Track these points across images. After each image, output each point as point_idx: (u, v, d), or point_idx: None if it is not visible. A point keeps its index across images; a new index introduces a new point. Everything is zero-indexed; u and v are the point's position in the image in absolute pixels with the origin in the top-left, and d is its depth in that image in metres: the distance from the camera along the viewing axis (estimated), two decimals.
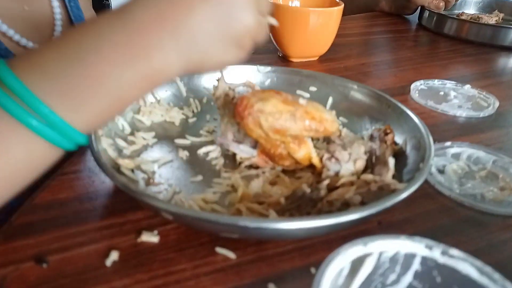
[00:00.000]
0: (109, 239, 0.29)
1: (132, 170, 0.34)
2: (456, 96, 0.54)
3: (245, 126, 0.33)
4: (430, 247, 0.22)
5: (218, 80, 0.39)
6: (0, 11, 0.45)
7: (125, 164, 0.34)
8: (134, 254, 0.28)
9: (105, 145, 0.34)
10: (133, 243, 0.28)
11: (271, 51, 0.67)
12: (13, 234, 0.29)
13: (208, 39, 0.27)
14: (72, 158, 0.37)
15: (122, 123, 0.39)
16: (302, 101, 0.33)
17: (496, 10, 0.95)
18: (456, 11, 0.97)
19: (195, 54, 0.27)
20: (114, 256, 0.27)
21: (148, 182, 0.34)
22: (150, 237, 0.29)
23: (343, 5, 0.61)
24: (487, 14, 0.93)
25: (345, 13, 0.90)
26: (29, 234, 0.29)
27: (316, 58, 0.66)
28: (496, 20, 0.91)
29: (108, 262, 0.27)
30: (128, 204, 0.32)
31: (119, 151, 0.36)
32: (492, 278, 0.21)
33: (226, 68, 0.31)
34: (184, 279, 0.26)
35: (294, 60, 0.64)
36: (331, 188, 0.32)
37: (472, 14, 0.93)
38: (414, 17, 0.93)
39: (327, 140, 0.37)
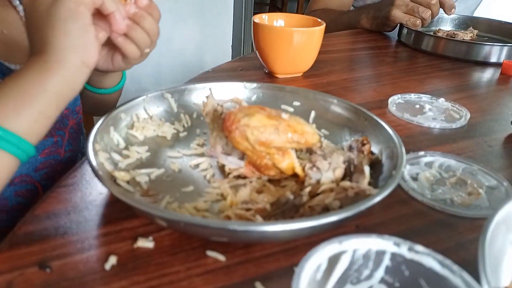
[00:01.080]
0: (107, 245, 0.31)
1: (128, 182, 0.36)
2: (431, 109, 0.58)
3: (233, 139, 0.35)
4: (398, 244, 0.25)
5: (207, 97, 0.42)
6: None
7: (121, 176, 0.36)
8: (131, 259, 0.30)
9: (102, 159, 0.36)
10: (130, 249, 0.31)
11: (257, 67, 0.71)
12: (17, 243, 0.31)
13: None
14: (69, 171, 0.39)
15: (117, 138, 0.41)
16: (284, 115, 0.36)
17: (471, 27, 1.01)
18: (433, 28, 1.02)
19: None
20: (112, 260, 0.29)
21: (143, 193, 0.36)
22: (146, 243, 0.31)
23: (324, 25, 0.65)
24: (462, 31, 0.98)
25: (329, 30, 0.94)
26: (32, 242, 0.31)
27: (300, 74, 0.69)
28: (471, 36, 0.96)
29: (107, 266, 0.29)
30: (124, 213, 0.34)
31: (115, 164, 0.38)
32: (451, 269, 0.24)
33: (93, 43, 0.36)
34: (177, 280, 0.29)
35: (279, 76, 0.68)
36: (312, 195, 0.35)
37: (449, 31, 0.99)
38: (393, 34, 0.98)
39: (309, 150, 0.40)
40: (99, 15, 0.38)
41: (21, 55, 0.51)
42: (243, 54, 2.86)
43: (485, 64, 0.81)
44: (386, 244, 0.25)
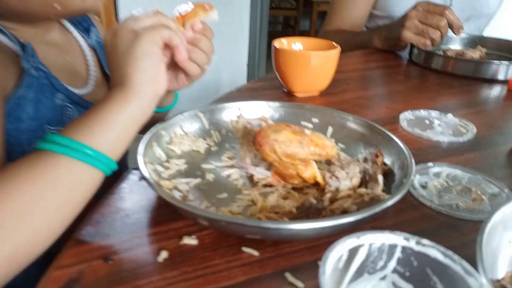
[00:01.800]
0: (158, 243, 0.36)
1: (170, 189, 0.42)
2: (439, 124, 0.62)
3: (263, 152, 0.41)
4: (407, 239, 0.30)
5: (238, 116, 0.48)
6: (50, 65, 0.54)
7: (166, 185, 0.42)
8: (179, 253, 0.35)
9: (149, 170, 0.42)
10: (177, 245, 0.36)
11: (277, 87, 0.76)
12: (82, 240, 0.36)
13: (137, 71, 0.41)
14: (118, 181, 0.45)
15: (159, 152, 0.47)
16: (307, 131, 0.42)
17: (479, 45, 1.05)
18: (443, 46, 1.07)
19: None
20: (164, 254, 0.35)
21: (184, 199, 0.42)
22: (190, 240, 0.36)
23: (339, 48, 0.71)
24: (471, 49, 1.03)
25: (343, 49, 0.99)
26: (95, 240, 0.36)
27: (317, 93, 0.74)
28: (480, 55, 1.01)
29: (160, 258, 0.34)
30: (169, 216, 0.39)
31: (159, 174, 0.44)
32: (452, 259, 0.29)
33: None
34: (219, 271, 0.34)
35: (298, 95, 0.73)
36: (332, 200, 0.40)
37: (458, 50, 1.03)
38: (405, 53, 1.03)
39: (328, 162, 0.45)
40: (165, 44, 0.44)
41: (81, 80, 0.58)
42: (258, 71, 2.94)
43: (493, 81, 0.85)
44: (397, 239, 0.30)
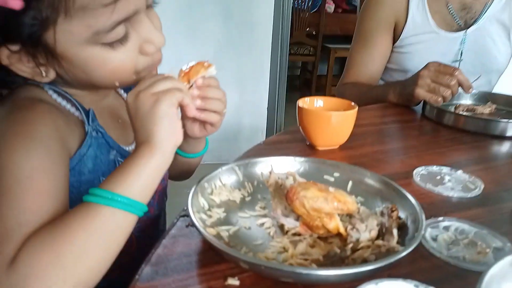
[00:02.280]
0: (206, 282, 0.43)
1: (214, 236, 0.49)
2: (450, 180, 0.69)
3: (294, 206, 0.48)
4: (417, 286, 0.36)
5: (270, 172, 0.55)
6: (106, 125, 0.62)
7: (210, 232, 0.49)
8: None
9: (197, 218, 0.49)
10: (223, 285, 0.43)
11: (300, 140, 0.84)
12: (144, 279, 0.43)
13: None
14: (169, 227, 0.53)
15: (202, 202, 0.55)
16: (331, 189, 0.49)
17: (490, 102, 1.12)
18: (455, 102, 1.14)
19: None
20: None
21: (226, 244, 0.49)
22: (233, 281, 0.43)
23: (357, 107, 0.79)
24: (481, 105, 1.10)
25: (360, 102, 1.07)
26: (153, 279, 0.43)
27: (337, 147, 0.82)
28: (490, 111, 1.08)
29: None
30: (214, 258, 0.46)
31: (204, 221, 0.51)
32: None
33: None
34: None
35: (320, 148, 0.81)
36: (354, 250, 0.46)
37: (468, 105, 1.10)
38: (419, 108, 1.10)
39: (350, 215, 0.52)
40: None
41: (130, 138, 0.67)
42: (277, 114, 3.05)
43: (502, 138, 0.91)
44: (409, 286, 0.37)
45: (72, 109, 0.59)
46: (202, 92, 0.58)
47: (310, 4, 3.73)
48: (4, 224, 0.44)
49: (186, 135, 0.67)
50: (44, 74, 0.54)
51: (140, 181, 0.47)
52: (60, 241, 0.42)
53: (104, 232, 0.44)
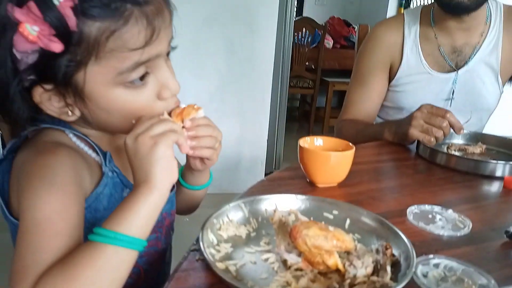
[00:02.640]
0: None
1: (223, 270, 0.54)
2: (441, 218, 0.74)
3: (297, 244, 0.53)
4: None
5: (274, 211, 0.60)
6: (121, 165, 0.67)
7: (220, 266, 0.53)
8: None
9: (208, 253, 0.54)
10: None
11: (301, 177, 0.89)
12: None
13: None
14: (180, 261, 0.57)
15: (212, 237, 0.59)
16: (331, 228, 0.54)
17: (480, 142, 1.18)
18: (447, 141, 1.19)
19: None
20: None
21: (233, 278, 0.53)
22: None
23: (354, 148, 0.85)
24: (472, 145, 1.16)
25: (357, 139, 1.12)
26: None
27: (336, 184, 0.87)
28: (480, 151, 1.14)
29: None
30: None
31: (213, 256, 0.56)
32: None
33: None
34: None
35: (319, 185, 0.86)
36: (351, 285, 0.51)
37: (460, 145, 1.16)
38: (413, 146, 1.16)
39: (348, 252, 0.56)
40: None
41: None
42: (276, 145, 3.11)
43: (491, 178, 0.97)
44: None
45: (90, 151, 0.64)
46: (194, 132, 0.63)
47: (309, 40, 3.87)
48: (22, 262, 0.50)
49: (190, 169, 0.72)
50: (70, 113, 0.58)
51: (140, 219, 0.52)
52: (70, 278, 0.47)
53: (109, 268, 0.49)
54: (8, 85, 0.53)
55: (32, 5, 0.48)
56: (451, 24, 1.31)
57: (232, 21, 2.49)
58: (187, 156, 0.71)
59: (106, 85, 0.55)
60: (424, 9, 1.42)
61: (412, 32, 1.39)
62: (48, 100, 0.57)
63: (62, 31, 0.49)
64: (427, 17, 1.38)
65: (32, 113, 0.58)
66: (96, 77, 0.54)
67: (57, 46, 0.50)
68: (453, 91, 1.38)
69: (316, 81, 4.04)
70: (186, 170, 0.76)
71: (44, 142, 0.61)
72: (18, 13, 0.48)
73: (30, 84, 0.54)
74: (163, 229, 0.74)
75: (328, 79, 4.03)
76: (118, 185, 0.66)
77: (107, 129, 0.65)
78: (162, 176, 0.54)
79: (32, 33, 0.49)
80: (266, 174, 2.88)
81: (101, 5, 0.50)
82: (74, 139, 0.63)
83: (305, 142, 0.89)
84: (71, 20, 0.49)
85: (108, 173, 0.64)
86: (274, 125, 3.06)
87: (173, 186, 0.75)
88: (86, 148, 0.64)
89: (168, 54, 0.63)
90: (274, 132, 3.08)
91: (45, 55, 0.51)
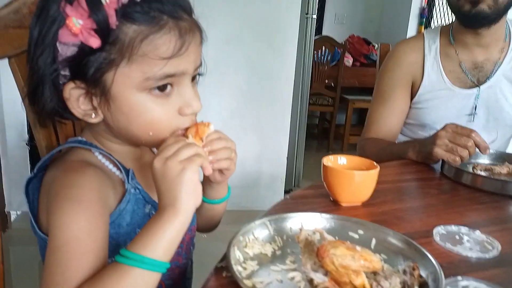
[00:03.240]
0: None
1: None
2: (468, 240, 0.73)
3: (324, 263, 0.53)
4: None
5: (300, 230, 0.61)
6: (143, 182, 0.69)
7: (247, 283, 0.54)
8: None
9: (235, 270, 0.54)
10: None
11: (324, 195, 0.89)
12: None
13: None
14: (207, 277, 0.58)
15: (238, 254, 0.60)
16: (358, 248, 0.54)
17: (507, 162, 1.16)
18: (473, 161, 1.18)
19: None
20: None
21: None
22: None
23: (379, 167, 0.85)
24: (499, 165, 1.14)
25: (380, 157, 1.11)
26: None
27: (360, 203, 0.87)
28: (508, 171, 1.12)
29: None
30: None
31: (240, 273, 0.56)
32: None
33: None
34: None
35: (343, 204, 0.86)
36: None
37: (486, 165, 1.15)
38: (438, 166, 1.15)
39: (375, 272, 0.56)
40: None
41: None
42: (296, 162, 3.11)
43: None
44: None
45: (114, 169, 0.66)
46: (209, 147, 0.64)
47: (329, 58, 3.90)
48: (52, 280, 0.52)
49: (209, 182, 0.74)
50: (93, 115, 0.61)
51: (164, 242, 0.53)
52: None
53: None
54: (45, 73, 0.57)
55: (82, 1, 0.53)
56: (470, 41, 1.32)
57: (253, 40, 2.54)
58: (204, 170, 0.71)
59: (131, 88, 0.58)
60: (444, 28, 1.43)
61: (432, 50, 1.39)
62: (76, 100, 0.59)
63: (102, 27, 0.53)
64: (446, 35, 1.39)
65: (58, 107, 0.61)
66: (124, 79, 0.57)
67: (95, 41, 0.54)
68: (476, 106, 1.37)
69: (336, 98, 4.04)
70: (204, 185, 0.78)
71: (71, 161, 0.64)
72: (68, 9, 0.53)
73: (64, 78, 0.58)
74: (184, 244, 0.75)
75: (347, 97, 4.03)
76: (141, 201, 0.68)
77: (126, 137, 0.65)
78: (188, 200, 0.55)
79: (76, 25, 0.53)
80: (285, 191, 2.88)
81: (142, 12, 0.55)
82: (100, 157, 0.66)
83: (329, 160, 0.90)
84: (113, 19, 0.53)
85: (130, 190, 0.66)
86: (294, 142, 3.07)
87: None
88: (110, 166, 0.66)
89: (194, 79, 0.65)
90: (294, 149, 3.09)
91: (83, 50, 0.55)
